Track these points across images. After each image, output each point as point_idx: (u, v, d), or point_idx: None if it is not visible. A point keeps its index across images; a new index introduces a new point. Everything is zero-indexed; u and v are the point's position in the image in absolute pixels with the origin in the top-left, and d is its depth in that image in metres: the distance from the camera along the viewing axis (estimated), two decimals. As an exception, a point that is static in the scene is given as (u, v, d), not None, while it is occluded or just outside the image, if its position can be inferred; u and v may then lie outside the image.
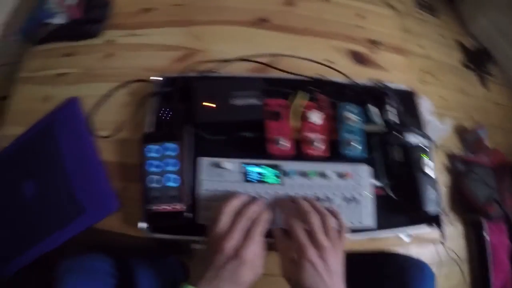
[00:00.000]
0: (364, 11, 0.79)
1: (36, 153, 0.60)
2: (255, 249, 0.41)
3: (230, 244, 0.40)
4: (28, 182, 0.58)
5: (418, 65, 1.36)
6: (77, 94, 0.63)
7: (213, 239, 0.41)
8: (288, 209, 0.46)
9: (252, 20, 0.72)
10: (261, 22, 0.71)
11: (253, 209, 0.44)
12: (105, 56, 0.68)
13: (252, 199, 0.47)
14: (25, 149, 0.61)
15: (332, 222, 0.44)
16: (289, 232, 0.43)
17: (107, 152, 0.58)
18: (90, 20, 0.70)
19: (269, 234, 0.46)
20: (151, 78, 0.59)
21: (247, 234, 0.41)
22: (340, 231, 0.44)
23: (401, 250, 0.63)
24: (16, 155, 0.61)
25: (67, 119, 0.61)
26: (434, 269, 0.61)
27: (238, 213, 0.43)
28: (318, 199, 0.49)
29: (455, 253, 1.09)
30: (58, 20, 0.69)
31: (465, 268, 1.15)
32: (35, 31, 0.70)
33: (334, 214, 0.46)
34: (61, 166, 0.56)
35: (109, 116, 0.61)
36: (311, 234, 0.42)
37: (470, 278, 1.15)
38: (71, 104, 0.62)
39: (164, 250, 0.79)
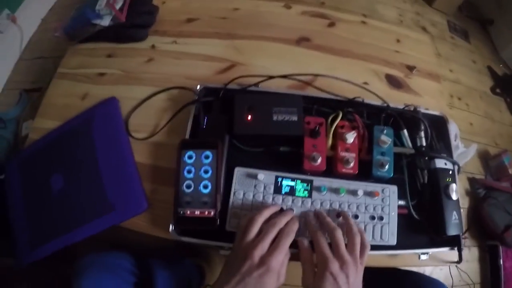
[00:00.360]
0: (400, 35, 0.81)
1: (70, 147, 0.61)
2: (281, 258, 0.42)
3: (259, 252, 0.41)
4: (58, 175, 0.59)
5: (448, 89, 1.38)
6: (116, 94, 0.65)
7: (242, 247, 0.43)
8: (314, 222, 0.48)
9: (294, 38, 0.75)
10: (303, 41, 0.75)
11: (283, 220, 0.46)
12: (147, 60, 0.71)
13: (282, 210, 0.50)
14: (59, 142, 0.62)
15: (358, 240, 0.45)
16: (313, 244, 0.45)
17: (141, 154, 0.59)
18: (137, 24, 0.73)
19: (292, 244, 0.47)
20: (197, 86, 0.61)
21: (275, 244, 0.43)
22: (362, 248, 0.45)
23: (415, 269, 0.64)
24: (49, 148, 0.62)
25: (105, 117, 0.62)
26: None
27: (268, 223, 0.45)
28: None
29: (468, 276, 1.10)
30: (105, 22, 0.71)
31: (477, 293, 1.15)
32: (80, 30, 0.72)
33: (360, 232, 0.47)
34: (94, 162, 0.58)
35: (146, 119, 0.63)
36: (334, 248, 0.43)
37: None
38: (110, 104, 0.64)
39: (181, 253, 0.82)
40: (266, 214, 0.46)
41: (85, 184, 0.57)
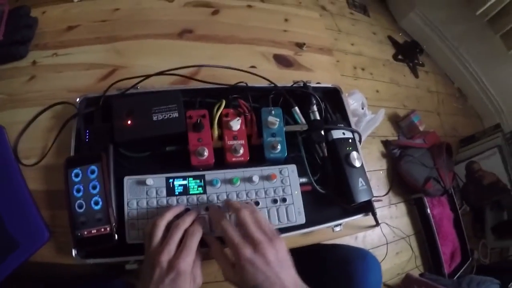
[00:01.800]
0: (288, 14, 0.82)
1: None
2: (190, 260, 0.40)
3: (166, 257, 0.39)
4: None
5: (351, 62, 1.45)
6: (3, 121, 0.59)
7: (149, 255, 0.41)
8: (216, 211, 0.46)
9: (176, 32, 0.71)
10: (185, 34, 0.71)
11: (187, 220, 0.44)
12: (29, 79, 0.64)
13: (185, 211, 0.47)
14: None
15: (261, 214, 0.44)
16: (222, 237, 0.43)
17: (33, 181, 0.55)
18: (16, 41, 0.65)
19: (204, 244, 0.46)
20: (77, 99, 0.57)
21: (182, 246, 0.41)
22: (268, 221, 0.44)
23: (347, 238, 0.65)
24: None
25: None
26: (384, 249, 0.63)
27: (172, 225, 0.43)
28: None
29: (401, 231, 1.18)
30: None
31: (414, 243, 1.24)
32: None
33: (247, 205, 0.46)
34: None
35: (34, 143, 0.58)
36: (241, 231, 0.42)
37: (420, 252, 1.25)
38: None
39: (110, 274, 0.76)
40: (168, 216, 0.44)
41: None
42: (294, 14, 0.83)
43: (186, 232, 0.42)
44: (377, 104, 1.31)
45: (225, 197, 0.49)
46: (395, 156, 1.26)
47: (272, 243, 0.41)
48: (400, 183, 1.23)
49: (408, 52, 1.77)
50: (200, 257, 0.43)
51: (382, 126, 1.22)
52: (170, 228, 0.43)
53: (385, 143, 1.29)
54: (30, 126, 0.58)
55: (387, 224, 1.10)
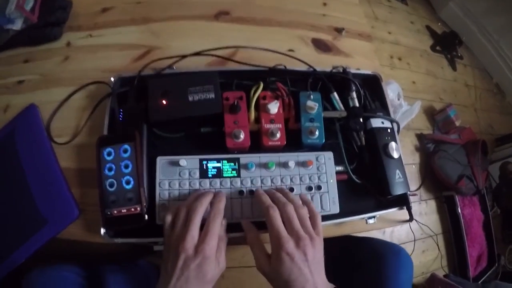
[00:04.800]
0: (328, -1, 0.79)
1: None
2: (214, 244, 0.40)
3: (190, 243, 0.39)
4: None
5: (388, 51, 1.39)
6: (37, 100, 0.61)
7: (172, 242, 0.40)
8: (266, 198, 0.45)
9: (212, 14, 0.70)
10: (222, 15, 0.70)
11: (203, 203, 0.43)
12: (63, 59, 0.65)
13: (207, 194, 0.46)
14: None
15: (305, 211, 0.43)
16: (266, 223, 0.42)
17: (66, 159, 0.56)
18: (50, 23, 0.67)
19: (234, 228, 0.45)
20: (111, 78, 0.57)
21: (205, 230, 0.40)
22: (313, 218, 0.43)
23: (375, 232, 0.63)
24: None
25: (27, 127, 0.58)
26: (411, 246, 0.61)
27: (190, 209, 0.42)
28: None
29: (429, 228, 1.14)
30: (18, 25, 0.66)
31: (441, 242, 1.20)
32: None
33: (306, 203, 0.45)
34: (22, 176, 0.54)
35: (67, 122, 0.59)
36: (287, 225, 0.41)
37: (447, 251, 1.21)
38: (30, 112, 0.60)
39: (136, 254, 0.78)
40: (188, 203, 0.43)
41: (15, 202, 0.53)
42: (333, -3, 0.80)
43: (208, 214, 0.42)
44: (413, 96, 1.25)
45: (260, 182, 0.48)
46: (429, 151, 1.21)
47: (312, 242, 0.40)
48: (432, 179, 1.18)
49: (446, 44, 1.67)
50: (224, 241, 0.43)
51: (417, 118, 1.17)
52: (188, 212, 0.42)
53: (420, 137, 1.24)
54: (63, 105, 0.60)
55: (416, 220, 1.06)
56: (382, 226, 0.61)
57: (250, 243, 0.43)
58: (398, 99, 1.00)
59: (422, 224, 1.10)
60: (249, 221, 0.45)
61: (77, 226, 0.51)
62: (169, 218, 0.42)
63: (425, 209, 1.18)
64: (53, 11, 0.67)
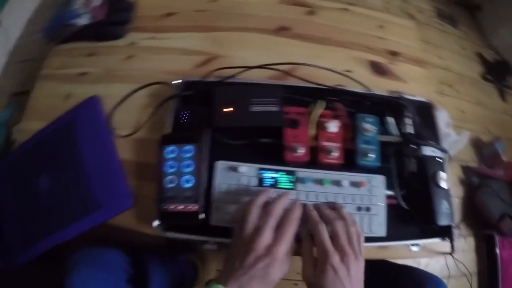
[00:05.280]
0: (384, 21, 0.79)
1: (55, 148, 0.61)
2: (286, 247, 0.41)
3: (263, 243, 0.40)
4: (45, 176, 0.59)
5: (437, 77, 1.36)
6: (98, 93, 0.64)
7: (243, 240, 0.42)
8: (315, 213, 0.47)
9: (273, 28, 0.73)
10: (282, 30, 0.73)
11: (279, 206, 0.45)
12: (127, 57, 0.70)
13: (278, 197, 0.47)
14: (44, 144, 0.62)
15: (354, 230, 0.44)
16: (313, 235, 0.44)
17: (124, 151, 0.59)
18: (114, 22, 0.72)
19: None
20: (173, 82, 0.61)
21: (280, 232, 0.42)
22: (359, 240, 0.44)
23: (410, 261, 0.63)
24: (35, 149, 0.63)
25: (88, 117, 0.62)
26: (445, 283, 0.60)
27: (266, 211, 0.44)
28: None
29: (465, 266, 1.08)
30: (83, 21, 0.71)
31: (474, 281, 1.14)
32: (59, 31, 0.72)
33: (353, 221, 0.46)
34: (80, 162, 0.58)
35: (128, 116, 0.62)
36: (335, 240, 0.42)
37: (478, 292, 1.14)
38: (92, 103, 0.63)
39: (175, 249, 0.80)
40: (260, 202, 0.45)
41: (72, 183, 0.57)
42: (389, 21, 0.80)
43: (284, 218, 0.43)
44: (461, 125, 1.21)
45: (314, 197, 0.50)
46: (473, 185, 1.16)
47: (357, 259, 0.42)
48: (474, 214, 1.13)
49: (497, 72, 1.60)
50: (292, 247, 0.44)
51: (463, 150, 1.13)
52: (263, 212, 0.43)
53: (465, 169, 1.19)
54: (126, 100, 0.63)
55: (452, 256, 1.02)
56: (423, 255, 0.60)
57: (303, 251, 0.45)
58: (447, 128, 0.98)
59: (458, 261, 1.05)
60: (308, 234, 0.46)
61: (129, 215, 0.54)
62: (240, 215, 0.44)
63: (463, 245, 1.13)
64: (119, 11, 0.73)
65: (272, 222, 0.42)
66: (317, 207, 0.48)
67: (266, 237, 0.41)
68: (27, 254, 0.56)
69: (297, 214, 0.45)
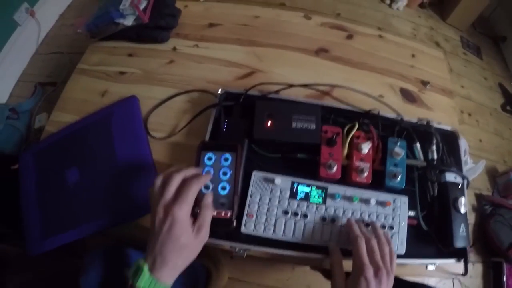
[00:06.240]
0: (415, 50, 0.83)
1: (89, 143, 0.62)
2: (186, 208, 0.41)
3: (162, 204, 0.40)
4: (74, 169, 0.59)
5: (459, 105, 1.39)
6: (136, 93, 0.67)
7: (151, 205, 0.42)
8: (357, 227, 0.50)
9: (313, 49, 0.77)
10: (322, 52, 0.77)
11: (186, 172, 0.44)
12: (168, 62, 0.73)
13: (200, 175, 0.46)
14: (77, 137, 0.62)
15: (388, 249, 0.47)
16: (352, 250, 0.47)
17: (158, 153, 0.60)
18: (159, 26, 0.74)
19: (306, 248, 0.50)
20: (218, 90, 0.63)
21: (177, 194, 0.41)
22: (391, 258, 0.47)
23: (418, 279, 0.65)
24: (66, 142, 0.63)
25: (125, 115, 0.63)
26: None
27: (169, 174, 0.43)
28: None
29: (471, 291, 1.11)
30: (129, 21, 0.73)
31: (481, 309, 1.15)
32: (103, 28, 0.74)
33: (388, 241, 0.49)
34: (112, 159, 0.58)
35: (166, 120, 0.64)
36: (370, 256, 0.45)
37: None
38: (130, 102, 0.65)
39: None
40: (179, 170, 0.44)
41: (101, 179, 0.58)
42: (420, 50, 0.84)
43: (184, 182, 0.43)
44: (478, 154, 1.24)
45: (342, 212, 0.53)
46: (485, 213, 1.19)
47: (388, 276, 0.45)
48: (484, 241, 1.15)
49: (517, 104, 1.62)
50: (210, 211, 0.44)
51: (478, 178, 1.15)
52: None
53: (478, 197, 1.22)
54: (164, 103, 0.66)
55: (459, 280, 1.04)
56: (437, 275, 0.63)
57: (333, 263, 0.48)
58: (464, 156, 1.01)
59: (466, 286, 1.08)
60: (338, 247, 0.49)
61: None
62: (159, 182, 0.43)
63: (471, 271, 1.14)
64: (164, 16, 0.75)
65: (174, 183, 0.42)
66: (358, 222, 0.51)
67: (165, 198, 0.41)
68: (45, 245, 0.56)
69: (200, 180, 0.44)
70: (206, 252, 0.51)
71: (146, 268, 0.39)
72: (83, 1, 1.56)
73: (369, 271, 0.43)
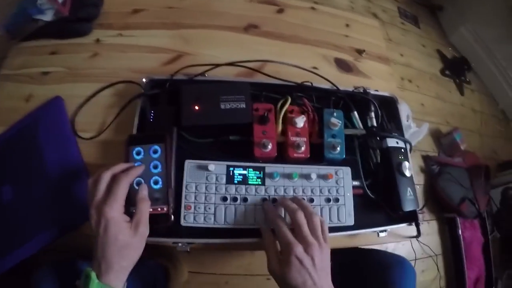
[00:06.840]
0: (349, 20, 0.82)
1: (16, 154, 0.57)
2: (117, 206, 0.40)
3: (93, 207, 0.39)
4: (8, 185, 0.55)
5: (398, 72, 1.44)
6: (61, 93, 0.62)
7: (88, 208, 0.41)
8: (272, 209, 0.48)
9: (242, 26, 0.74)
10: (251, 28, 0.73)
11: (115, 168, 0.43)
12: (92, 55, 0.67)
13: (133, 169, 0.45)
14: (4, 150, 0.58)
15: (317, 219, 0.45)
16: (275, 232, 0.44)
17: (90, 154, 0.57)
18: (80, 18, 0.68)
19: (253, 233, 0.48)
20: (143, 79, 0.58)
21: (107, 193, 0.40)
22: (323, 227, 0.45)
23: (377, 246, 0.66)
24: None
25: (50, 119, 0.59)
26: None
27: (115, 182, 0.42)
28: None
29: (430, 248, 1.16)
30: (48, 17, 0.67)
31: (440, 263, 1.22)
32: (21, 27, 0.68)
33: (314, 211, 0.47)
34: (43, 170, 0.55)
35: (93, 117, 0.60)
36: (297, 231, 0.43)
37: (446, 272, 1.22)
38: (55, 104, 0.60)
39: (144, 254, 0.79)
40: (108, 168, 0.43)
41: (37, 192, 0.54)
42: (355, 20, 0.84)
43: (113, 179, 0.42)
44: (421, 118, 1.29)
45: (283, 191, 0.51)
46: (433, 173, 1.24)
47: (321, 248, 0.42)
48: (435, 200, 1.21)
49: (455, 68, 1.72)
50: (146, 205, 0.43)
51: (423, 140, 1.20)
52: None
53: (425, 158, 1.27)
54: (90, 100, 0.61)
55: (417, 239, 1.09)
56: (391, 240, 0.64)
57: (266, 245, 0.45)
58: (407, 120, 1.03)
59: (423, 244, 1.12)
60: (269, 228, 0.47)
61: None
62: (90, 183, 0.42)
63: (426, 229, 1.20)
64: (85, 7, 0.69)
65: (103, 182, 0.41)
66: (277, 201, 0.49)
67: (96, 199, 0.40)
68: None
69: (125, 173, 0.43)
70: (161, 251, 0.48)
71: (93, 275, 0.38)
72: (8, 0, 1.39)
73: (298, 248, 0.41)
